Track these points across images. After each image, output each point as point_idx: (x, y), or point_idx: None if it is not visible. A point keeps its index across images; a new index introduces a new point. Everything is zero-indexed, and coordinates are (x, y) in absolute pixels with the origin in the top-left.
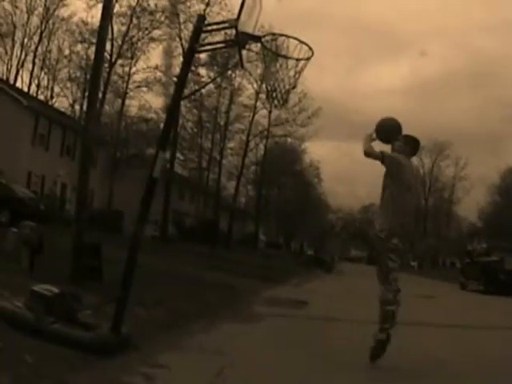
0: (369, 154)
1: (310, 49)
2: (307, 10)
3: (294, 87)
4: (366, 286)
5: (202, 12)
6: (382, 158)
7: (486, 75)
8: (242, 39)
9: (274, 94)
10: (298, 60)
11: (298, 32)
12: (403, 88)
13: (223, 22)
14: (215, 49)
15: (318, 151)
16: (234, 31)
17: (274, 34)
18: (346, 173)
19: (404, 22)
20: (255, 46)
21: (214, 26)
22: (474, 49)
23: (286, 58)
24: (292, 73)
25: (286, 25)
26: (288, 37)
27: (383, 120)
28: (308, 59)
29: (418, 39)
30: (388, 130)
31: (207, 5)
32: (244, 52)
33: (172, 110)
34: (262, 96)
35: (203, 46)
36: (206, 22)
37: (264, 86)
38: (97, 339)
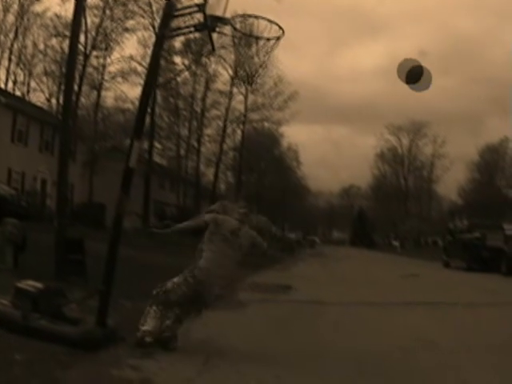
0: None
1: (280, 28)
2: None
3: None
4: (345, 269)
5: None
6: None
7: (462, 54)
8: (212, 22)
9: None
10: (268, 40)
11: (273, 19)
12: (380, 69)
13: (191, 7)
14: (185, 33)
15: (298, 136)
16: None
17: (243, 16)
18: (326, 156)
19: (379, 4)
20: (228, 30)
21: (183, 11)
22: (450, 28)
23: (257, 38)
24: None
25: (261, 12)
26: (257, 17)
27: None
28: (278, 39)
29: (393, 20)
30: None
31: None
32: (217, 37)
33: (145, 97)
34: (238, 82)
35: (173, 31)
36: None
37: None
38: (83, 334)
